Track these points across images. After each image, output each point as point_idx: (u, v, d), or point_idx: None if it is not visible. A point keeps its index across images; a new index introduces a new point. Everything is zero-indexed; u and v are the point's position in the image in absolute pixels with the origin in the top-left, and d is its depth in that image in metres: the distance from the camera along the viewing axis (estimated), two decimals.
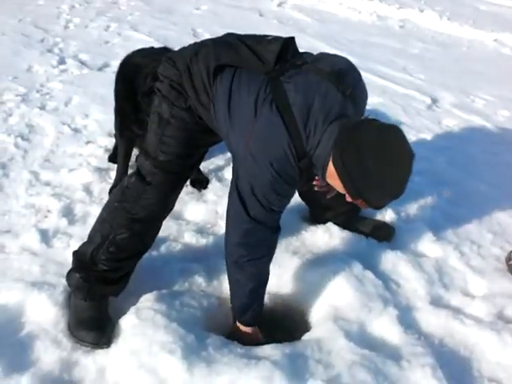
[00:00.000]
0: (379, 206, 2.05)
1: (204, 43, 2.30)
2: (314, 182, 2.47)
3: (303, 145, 2.00)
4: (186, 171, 2.40)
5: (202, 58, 2.20)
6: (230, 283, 2.31)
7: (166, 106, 2.26)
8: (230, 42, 2.22)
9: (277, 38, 2.18)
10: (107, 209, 2.40)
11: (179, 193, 2.44)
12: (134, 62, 2.97)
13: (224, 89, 2.12)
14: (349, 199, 2.01)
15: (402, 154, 1.89)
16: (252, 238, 2.15)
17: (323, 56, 2.22)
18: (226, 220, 2.21)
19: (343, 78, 2.08)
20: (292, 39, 2.21)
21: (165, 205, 2.39)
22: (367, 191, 1.90)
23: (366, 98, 2.28)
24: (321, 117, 1.98)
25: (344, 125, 1.94)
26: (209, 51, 2.20)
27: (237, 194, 2.10)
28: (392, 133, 1.91)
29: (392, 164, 1.87)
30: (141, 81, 2.83)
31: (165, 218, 2.46)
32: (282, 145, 1.99)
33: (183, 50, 2.34)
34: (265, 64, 2.10)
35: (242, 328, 2.34)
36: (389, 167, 1.86)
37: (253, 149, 2.03)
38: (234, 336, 2.33)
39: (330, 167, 1.95)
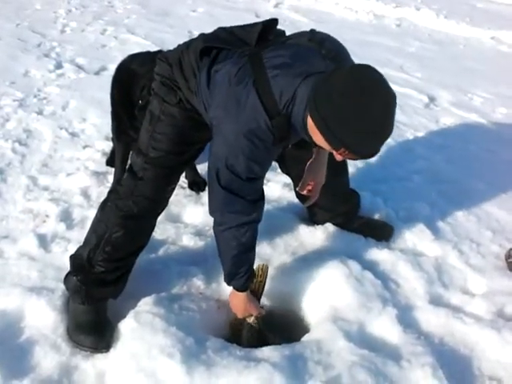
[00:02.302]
0: (365, 153, 1.87)
1: (195, 38, 2.33)
2: (298, 188, 2.49)
3: (276, 103, 1.95)
4: (178, 167, 2.40)
5: (192, 49, 2.23)
6: (217, 248, 2.30)
7: (157, 103, 2.29)
8: (218, 33, 2.26)
9: (259, 22, 2.20)
10: (101, 209, 2.42)
11: (172, 189, 2.44)
12: (130, 70, 2.95)
13: (207, 68, 2.13)
14: (338, 157, 1.91)
15: (378, 91, 1.77)
16: (227, 207, 2.12)
17: (305, 32, 2.21)
18: (208, 193, 2.20)
19: (324, 44, 2.09)
20: (274, 21, 2.21)
21: (157, 200, 2.39)
22: (348, 137, 1.78)
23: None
24: (295, 73, 1.95)
25: (319, 78, 1.88)
26: (198, 42, 2.22)
27: (212, 164, 2.09)
28: (364, 72, 1.80)
29: (368, 103, 1.74)
30: (137, 91, 2.82)
31: (159, 214, 2.46)
32: (252, 105, 1.96)
33: (176, 47, 2.36)
34: (247, 44, 2.12)
35: (234, 293, 2.37)
36: (365, 107, 1.74)
37: (223, 115, 2.03)
38: (230, 302, 2.42)
39: (310, 122, 1.88)
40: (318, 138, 1.89)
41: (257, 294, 2.45)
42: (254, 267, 2.38)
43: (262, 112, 1.95)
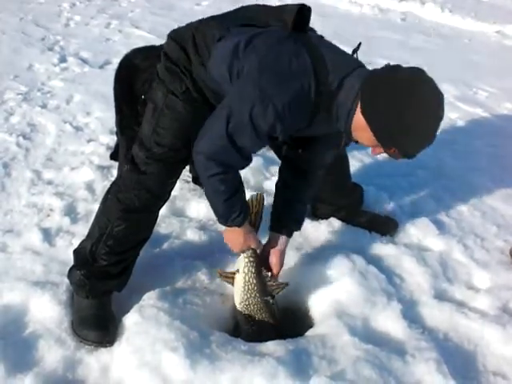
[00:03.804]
0: (413, 153, 1.87)
1: (210, 16, 2.26)
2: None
3: (328, 71, 1.89)
4: (182, 162, 2.34)
5: (208, 24, 2.16)
6: (205, 193, 2.19)
7: (161, 94, 2.21)
8: (239, 9, 2.22)
9: (292, 4, 2.08)
10: (103, 202, 2.39)
11: (175, 182, 2.39)
12: (133, 64, 2.95)
13: (234, 38, 2.04)
14: (376, 151, 1.91)
15: (434, 96, 1.80)
16: (219, 156, 1.99)
17: None
18: (203, 129, 2.04)
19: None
20: (308, 9, 2.08)
21: (159, 194, 2.34)
22: (402, 137, 1.80)
23: None
24: (344, 58, 1.94)
25: (371, 71, 1.86)
26: (215, 19, 2.18)
27: (228, 103, 1.97)
28: (423, 75, 1.81)
29: (425, 107, 1.77)
30: (139, 85, 2.82)
31: (161, 207, 2.42)
32: (302, 63, 1.88)
33: (188, 24, 2.28)
34: (282, 23, 2.03)
35: (232, 230, 2.24)
36: (423, 111, 1.77)
37: (261, 65, 1.92)
38: (225, 237, 2.30)
39: (357, 117, 1.86)
40: (363, 134, 1.88)
41: (254, 225, 2.36)
42: (248, 199, 2.30)
43: (310, 73, 1.87)
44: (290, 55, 1.89)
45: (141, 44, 3.36)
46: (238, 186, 2.14)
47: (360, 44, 2.07)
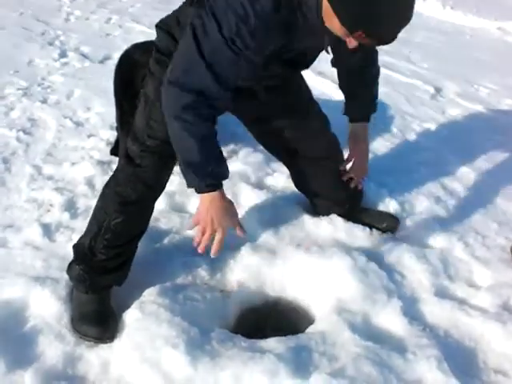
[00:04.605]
0: (385, 38, 1.73)
1: None
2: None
3: None
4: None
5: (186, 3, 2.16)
6: (173, 144, 2.03)
7: (152, 86, 2.20)
8: None
9: None
10: (101, 196, 2.39)
11: (170, 173, 2.39)
12: (133, 60, 2.95)
13: None
14: (352, 44, 1.79)
15: None
16: (198, 85, 1.89)
17: None
18: (173, 60, 1.96)
19: None
20: None
21: (156, 186, 2.35)
22: (368, 18, 1.66)
23: None
24: None
25: None
26: None
27: (191, 32, 1.88)
28: None
29: None
30: (139, 81, 2.81)
31: (157, 198, 2.42)
32: None
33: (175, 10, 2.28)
34: None
35: (210, 201, 2.06)
36: None
37: None
38: (199, 215, 2.11)
39: (325, 5, 1.76)
40: (332, 22, 1.77)
41: None
42: None
43: None
44: None
45: (141, 39, 3.35)
46: (214, 129, 2.00)
47: None
